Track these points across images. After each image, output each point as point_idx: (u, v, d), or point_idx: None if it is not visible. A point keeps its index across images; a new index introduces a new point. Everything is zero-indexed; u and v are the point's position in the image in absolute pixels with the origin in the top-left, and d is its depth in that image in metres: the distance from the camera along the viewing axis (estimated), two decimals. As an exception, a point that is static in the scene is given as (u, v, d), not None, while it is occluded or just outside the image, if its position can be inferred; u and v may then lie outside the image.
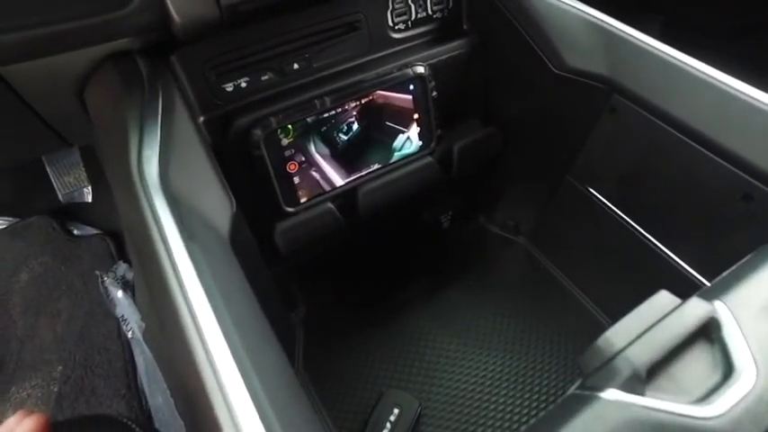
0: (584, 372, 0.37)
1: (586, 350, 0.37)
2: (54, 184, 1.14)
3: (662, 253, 0.67)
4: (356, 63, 0.72)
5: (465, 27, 0.79)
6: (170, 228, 0.44)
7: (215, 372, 0.36)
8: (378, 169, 0.75)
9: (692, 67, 0.58)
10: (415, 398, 0.75)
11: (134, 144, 0.50)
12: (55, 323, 0.97)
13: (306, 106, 0.66)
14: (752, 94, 0.53)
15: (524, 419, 0.74)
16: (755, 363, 0.34)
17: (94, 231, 1.14)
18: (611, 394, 0.33)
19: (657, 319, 0.37)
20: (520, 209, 0.96)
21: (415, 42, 0.75)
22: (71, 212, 1.18)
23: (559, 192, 0.82)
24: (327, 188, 0.72)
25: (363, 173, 0.74)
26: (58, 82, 0.57)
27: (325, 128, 0.68)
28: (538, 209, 0.91)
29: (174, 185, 0.48)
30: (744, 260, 0.43)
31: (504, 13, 0.73)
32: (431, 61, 0.74)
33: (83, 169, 1.16)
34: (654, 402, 0.33)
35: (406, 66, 0.71)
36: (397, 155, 0.76)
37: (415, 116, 0.74)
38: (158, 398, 0.81)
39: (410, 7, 0.72)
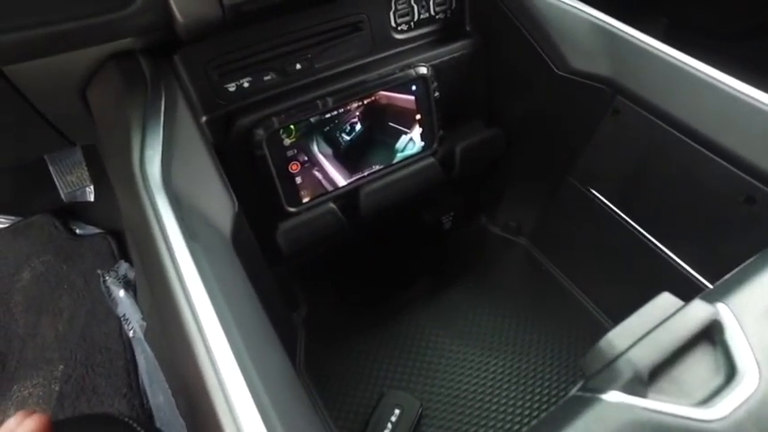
0: (586, 373, 0.37)
1: (588, 352, 0.37)
2: (56, 183, 1.14)
3: (664, 254, 0.67)
4: (359, 63, 0.72)
5: (468, 28, 0.79)
6: (172, 227, 0.44)
7: (216, 371, 0.36)
8: (380, 170, 0.75)
9: (695, 68, 0.58)
10: (416, 398, 0.75)
11: (136, 143, 0.50)
12: (56, 322, 0.97)
13: (308, 106, 0.66)
14: (755, 96, 0.53)
15: (525, 420, 0.74)
16: (758, 365, 0.34)
17: (96, 230, 1.14)
18: (613, 396, 0.33)
19: (660, 321, 0.36)
20: (521, 210, 0.96)
21: (418, 43, 0.75)
22: (73, 211, 1.18)
23: (561, 193, 0.82)
24: (329, 188, 0.72)
25: (365, 173, 0.74)
26: (61, 81, 0.57)
27: (327, 128, 0.68)
28: (539, 210, 0.91)
29: (176, 185, 0.48)
30: (747, 263, 0.43)
31: (506, 14, 0.73)
32: (433, 62, 0.74)
33: (85, 168, 1.16)
34: (656, 404, 0.33)
35: (409, 66, 0.71)
36: (399, 155, 0.76)
37: (418, 117, 0.74)
38: (159, 397, 0.81)
39: (413, 8, 0.72)
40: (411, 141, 0.76)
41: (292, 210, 0.70)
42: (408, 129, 0.75)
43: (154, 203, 0.46)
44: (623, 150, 0.68)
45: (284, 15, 0.63)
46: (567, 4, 0.69)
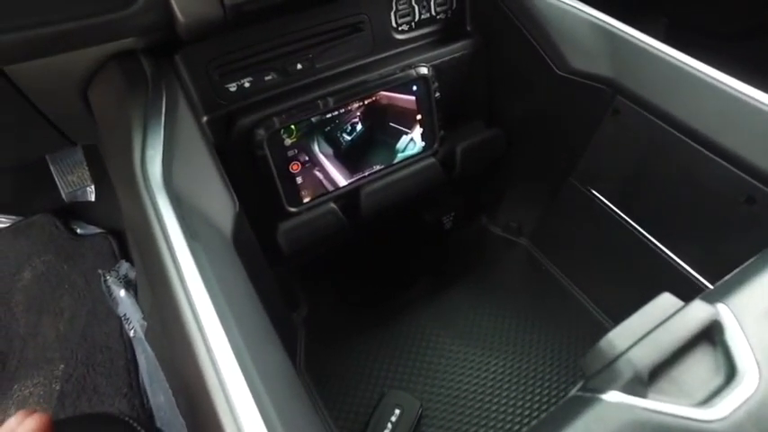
0: (586, 373, 0.37)
1: (588, 352, 0.37)
2: (57, 182, 1.14)
3: (664, 255, 0.67)
4: (359, 64, 0.72)
5: (468, 28, 0.79)
6: (173, 227, 0.44)
7: (217, 371, 0.36)
8: (380, 170, 0.75)
9: (695, 69, 0.58)
10: (416, 398, 0.75)
11: (137, 143, 0.50)
12: (57, 321, 0.97)
13: (309, 106, 0.66)
14: (756, 97, 0.53)
15: (526, 421, 0.74)
16: (758, 366, 0.34)
17: (97, 230, 1.14)
18: (613, 396, 0.33)
19: (660, 321, 0.36)
20: (522, 210, 0.96)
21: (419, 43, 0.75)
22: (74, 211, 1.18)
23: (561, 193, 0.82)
24: (330, 188, 0.72)
25: (366, 173, 0.74)
26: (63, 81, 0.57)
27: (328, 128, 0.68)
28: (540, 210, 0.91)
29: (176, 185, 0.48)
30: (747, 263, 0.43)
31: (507, 14, 0.73)
32: (434, 62, 0.74)
33: (86, 168, 1.16)
34: (656, 405, 0.33)
35: (410, 67, 0.71)
36: (400, 156, 0.76)
37: (418, 117, 0.74)
38: (160, 397, 0.81)
39: (414, 8, 0.73)
40: (412, 141, 0.76)
41: (293, 210, 0.70)
42: (409, 129, 0.75)
43: (155, 203, 0.46)
44: (623, 151, 0.68)
45: (285, 15, 0.63)
46: (568, 5, 0.69)
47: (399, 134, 0.74)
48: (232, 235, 0.51)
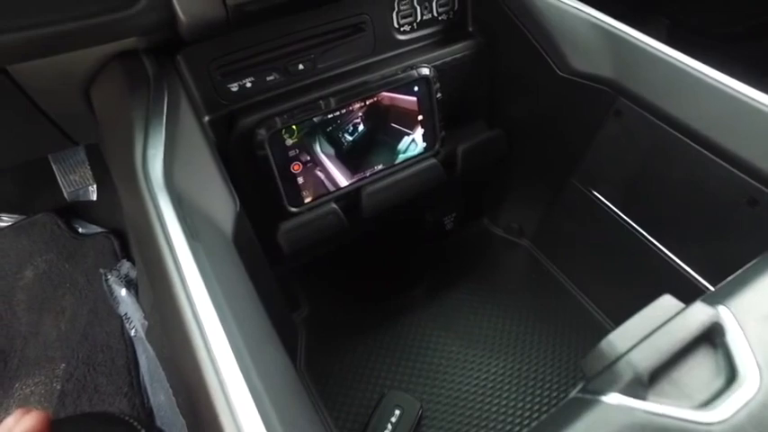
0: (587, 375, 0.37)
1: (589, 353, 0.37)
2: (59, 182, 1.15)
3: (665, 257, 0.67)
4: (361, 64, 0.72)
5: (470, 29, 0.79)
6: (174, 227, 0.44)
7: (217, 371, 0.36)
8: (382, 170, 0.75)
9: (697, 70, 0.58)
10: (416, 399, 0.75)
11: (139, 143, 0.50)
12: (59, 320, 0.97)
13: (310, 107, 0.66)
14: (757, 98, 0.53)
15: (526, 422, 0.74)
16: (759, 368, 0.34)
17: (99, 230, 1.14)
18: (613, 398, 0.33)
19: (661, 323, 0.36)
20: (523, 211, 0.96)
21: (421, 44, 0.76)
22: (76, 210, 1.18)
23: (563, 194, 0.82)
24: (331, 188, 0.72)
25: (367, 174, 0.74)
26: (65, 80, 0.58)
27: (329, 128, 0.68)
28: (541, 211, 0.91)
29: (178, 184, 0.49)
30: (748, 265, 0.42)
31: (509, 15, 0.73)
32: (436, 63, 0.74)
33: (88, 168, 1.16)
34: (656, 407, 0.33)
35: (411, 67, 0.71)
36: (401, 156, 0.76)
37: (420, 118, 0.74)
38: (160, 396, 0.82)
39: (415, 9, 0.73)
40: (413, 142, 0.76)
41: (294, 210, 0.70)
42: (410, 129, 0.75)
43: (156, 203, 0.46)
44: (625, 152, 0.68)
45: (287, 16, 0.63)
46: (570, 6, 0.69)
47: (401, 135, 0.74)
48: (233, 235, 0.51)
